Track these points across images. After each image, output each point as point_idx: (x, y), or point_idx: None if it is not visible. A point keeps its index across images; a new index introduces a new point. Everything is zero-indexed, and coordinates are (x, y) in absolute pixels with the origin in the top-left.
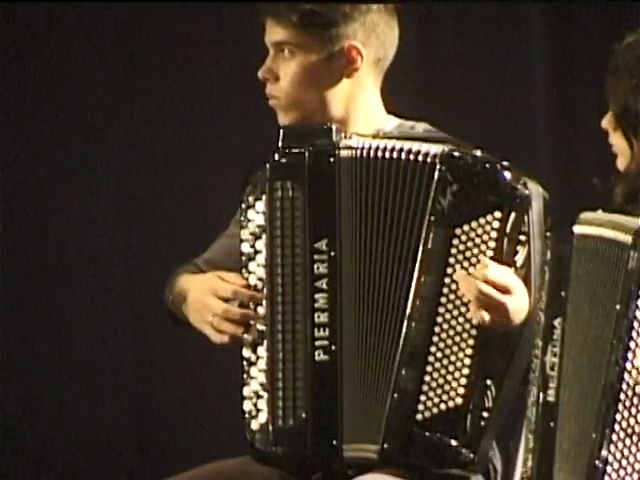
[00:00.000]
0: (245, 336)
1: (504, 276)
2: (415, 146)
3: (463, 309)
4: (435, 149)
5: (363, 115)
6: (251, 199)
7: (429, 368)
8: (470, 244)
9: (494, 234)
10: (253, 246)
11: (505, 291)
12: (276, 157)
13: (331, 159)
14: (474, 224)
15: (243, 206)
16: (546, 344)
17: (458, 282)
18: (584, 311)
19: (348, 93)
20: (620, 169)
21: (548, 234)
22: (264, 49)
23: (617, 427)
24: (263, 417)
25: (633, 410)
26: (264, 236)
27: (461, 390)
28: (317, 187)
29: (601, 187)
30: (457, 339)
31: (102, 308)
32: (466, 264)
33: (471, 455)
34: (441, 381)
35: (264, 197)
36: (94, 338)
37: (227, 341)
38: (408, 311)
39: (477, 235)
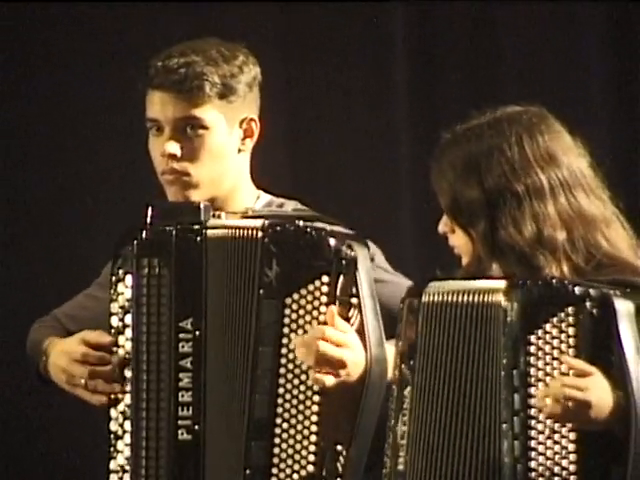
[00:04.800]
0: (112, 410)
1: (340, 331)
2: (240, 221)
3: (303, 377)
4: (257, 222)
5: (245, 191)
6: (121, 272)
7: (277, 440)
8: (302, 312)
9: (324, 299)
10: (122, 320)
11: (343, 345)
12: (144, 234)
13: (198, 238)
14: (303, 291)
15: (113, 279)
16: (398, 414)
17: (296, 349)
18: (431, 380)
19: (238, 168)
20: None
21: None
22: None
23: None
24: None
25: None
26: (132, 310)
27: (312, 457)
28: (184, 265)
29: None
30: (301, 407)
31: None
32: (300, 332)
33: None
34: (291, 451)
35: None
36: None
37: (105, 401)
38: (251, 385)
39: (308, 302)
